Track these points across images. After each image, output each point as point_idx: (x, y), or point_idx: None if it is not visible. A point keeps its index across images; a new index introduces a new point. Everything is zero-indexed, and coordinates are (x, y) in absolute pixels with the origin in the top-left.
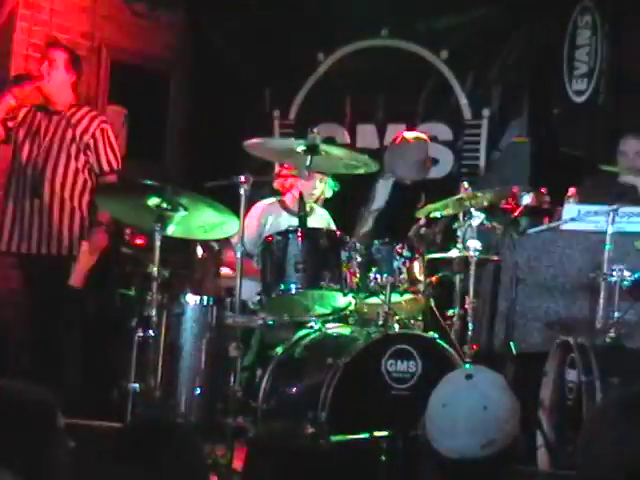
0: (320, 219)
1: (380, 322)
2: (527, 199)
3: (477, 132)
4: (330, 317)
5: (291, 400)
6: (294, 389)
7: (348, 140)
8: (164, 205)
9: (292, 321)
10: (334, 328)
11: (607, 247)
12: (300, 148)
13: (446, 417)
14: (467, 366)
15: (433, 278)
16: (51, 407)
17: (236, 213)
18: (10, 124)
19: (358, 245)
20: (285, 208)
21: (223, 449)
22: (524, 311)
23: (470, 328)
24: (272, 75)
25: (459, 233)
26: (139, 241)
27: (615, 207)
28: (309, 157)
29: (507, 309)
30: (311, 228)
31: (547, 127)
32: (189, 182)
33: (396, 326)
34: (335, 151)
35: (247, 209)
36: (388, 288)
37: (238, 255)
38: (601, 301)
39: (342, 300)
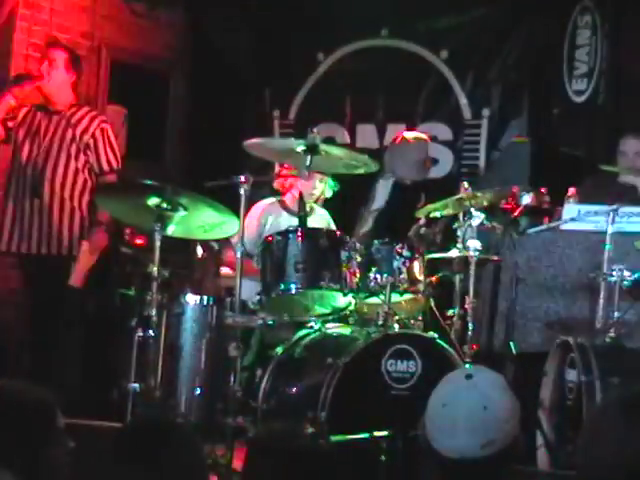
0: (320, 219)
1: (380, 322)
2: (527, 199)
3: (477, 132)
4: (330, 317)
5: (291, 400)
6: (294, 389)
7: (348, 140)
8: (164, 205)
9: (292, 321)
10: (334, 328)
11: (607, 247)
12: (300, 148)
13: (446, 417)
14: (467, 366)
15: (433, 278)
16: (51, 407)
17: (236, 213)
18: (10, 124)
19: (358, 245)
20: (285, 208)
21: (223, 449)
22: (524, 311)
23: (470, 328)
24: (272, 75)
25: (459, 233)
26: (139, 241)
27: (615, 207)
28: (309, 157)
29: (507, 309)
30: (311, 228)
31: (547, 127)
32: (189, 182)
33: (396, 326)
34: (335, 151)
35: (247, 209)
36: (388, 288)
37: (238, 255)
38: (601, 301)
39: (342, 300)
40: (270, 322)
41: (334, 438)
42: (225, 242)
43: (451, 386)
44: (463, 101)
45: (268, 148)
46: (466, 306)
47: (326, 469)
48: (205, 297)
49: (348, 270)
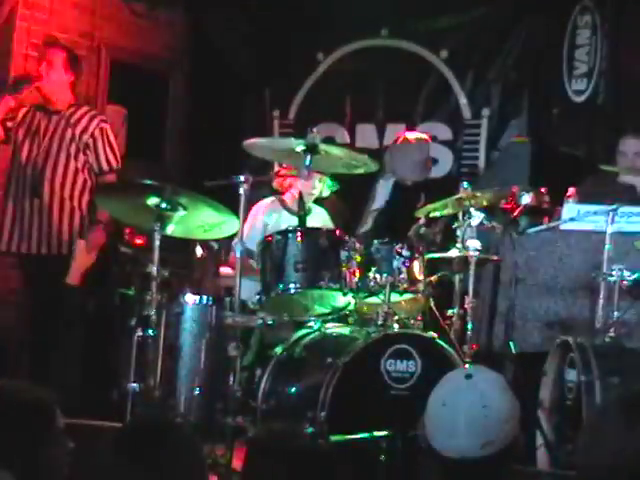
0: (317, 217)
1: (380, 322)
2: (526, 199)
3: (477, 132)
4: (330, 317)
5: (290, 400)
6: (293, 389)
7: (348, 140)
8: (163, 205)
9: (292, 321)
10: (334, 328)
11: (607, 247)
12: (300, 148)
13: (446, 417)
14: (467, 366)
15: (433, 278)
16: (50, 407)
17: (235, 213)
18: (9, 124)
19: (358, 245)
20: (285, 207)
21: (223, 449)
22: (524, 311)
23: (470, 328)
24: (272, 75)
25: (459, 233)
26: (139, 241)
27: (614, 207)
28: (309, 157)
29: (507, 309)
30: (311, 228)
31: (547, 127)
32: (188, 182)
33: (395, 326)
34: (334, 151)
35: (246, 209)
36: (388, 288)
37: (238, 255)
38: (601, 301)
39: (342, 300)
40: (270, 322)
41: (334, 438)
42: (227, 242)
43: (451, 386)
44: (463, 101)
45: (268, 148)
46: (466, 306)
47: (326, 469)
48: (204, 297)
49: (348, 270)
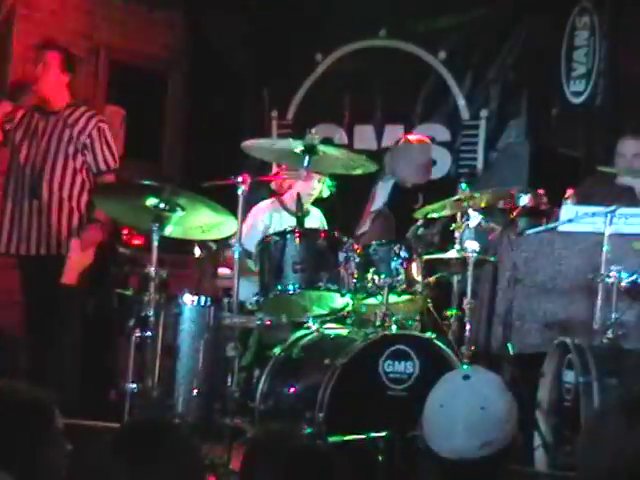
0: (314, 219)
1: (378, 323)
2: (525, 200)
3: (475, 133)
4: (328, 318)
5: (289, 400)
6: (292, 389)
7: (346, 141)
8: (162, 205)
9: (290, 321)
10: (332, 329)
11: (605, 248)
12: (298, 148)
13: (444, 418)
14: (465, 367)
15: (431, 279)
16: (49, 407)
17: (234, 213)
18: (7, 127)
19: (356, 245)
20: (285, 208)
21: (221, 449)
22: (522, 312)
23: (468, 329)
24: (270, 75)
25: (457, 234)
26: (137, 241)
27: (613, 208)
28: (307, 157)
29: (505, 310)
30: (309, 229)
31: (545, 128)
32: (187, 182)
33: (394, 327)
34: (333, 151)
35: (245, 209)
36: (386, 289)
37: (236, 256)
38: (599, 302)
39: (340, 301)
40: (268, 323)
41: (332, 439)
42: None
43: (449, 387)
44: (461, 102)
45: (266, 148)
46: (464, 307)
47: (324, 470)
48: (203, 298)
49: (346, 271)
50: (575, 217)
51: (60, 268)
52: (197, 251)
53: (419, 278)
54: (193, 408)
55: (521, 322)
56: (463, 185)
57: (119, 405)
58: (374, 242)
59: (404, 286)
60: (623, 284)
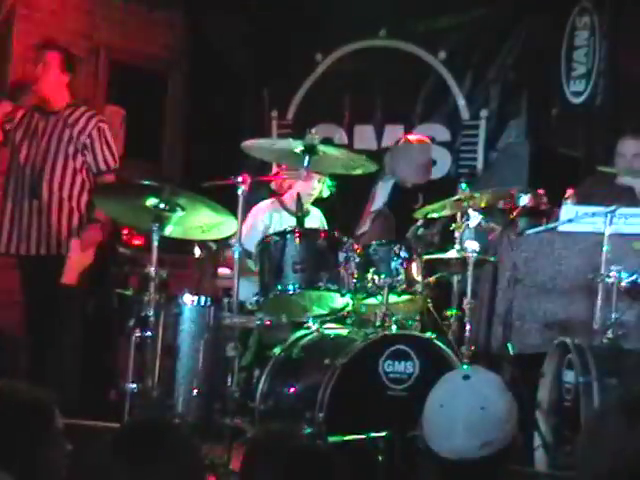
0: (314, 219)
1: (378, 323)
2: (524, 200)
3: (475, 133)
4: (328, 318)
5: (289, 401)
6: (292, 390)
7: (346, 141)
8: (162, 205)
9: (290, 321)
10: (332, 329)
11: (605, 248)
12: (298, 149)
13: (444, 418)
14: (465, 367)
15: (431, 279)
16: (49, 407)
17: (234, 213)
18: (8, 127)
19: (356, 246)
20: (285, 207)
21: (221, 449)
22: (522, 312)
23: (468, 329)
24: (270, 75)
25: (457, 234)
26: (137, 241)
27: (613, 208)
28: (307, 157)
29: (505, 310)
30: (309, 229)
31: (545, 128)
32: (187, 182)
33: (394, 327)
34: (333, 151)
35: (245, 209)
36: (386, 289)
37: (236, 256)
38: (599, 302)
39: (340, 301)
40: (268, 323)
41: (332, 439)
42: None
43: (449, 387)
44: (461, 102)
45: (266, 149)
46: (464, 307)
47: (324, 470)
48: (203, 298)
49: (346, 271)
50: (575, 217)
51: (60, 268)
52: (197, 251)
53: (419, 278)
54: (193, 408)
55: (521, 322)
56: (463, 185)
57: (119, 405)
58: (374, 242)
59: (404, 286)
60: (623, 284)
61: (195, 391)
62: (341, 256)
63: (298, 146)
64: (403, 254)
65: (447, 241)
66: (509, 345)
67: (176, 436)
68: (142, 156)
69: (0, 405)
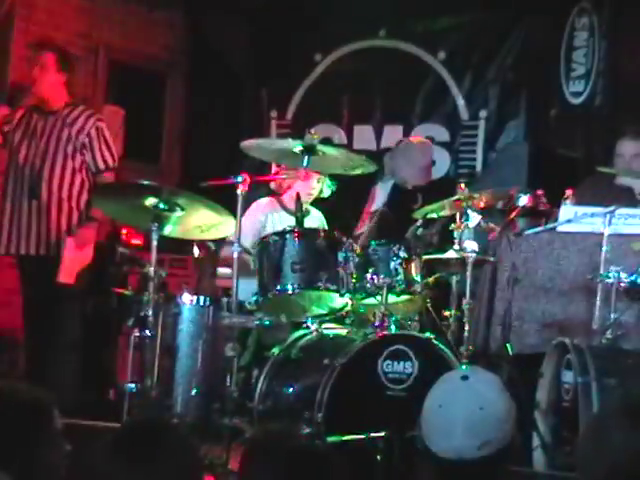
0: (314, 219)
1: (377, 323)
2: (524, 200)
3: (474, 133)
4: (327, 318)
5: (287, 401)
6: (290, 390)
7: (345, 141)
8: (161, 205)
9: (289, 321)
10: (331, 329)
11: (604, 249)
12: (297, 149)
13: (442, 418)
14: (463, 367)
15: (430, 279)
16: (48, 408)
17: (233, 214)
18: (6, 128)
19: (355, 246)
20: (284, 207)
21: (220, 449)
22: (521, 312)
23: (466, 329)
24: (270, 75)
25: (456, 234)
26: (136, 241)
27: (612, 209)
28: (306, 157)
29: (504, 310)
30: (308, 228)
31: (544, 128)
32: (186, 182)
33: (393, 327)
34: (332, 151)
35: (244, 209)
36: (385, 289)
37: (235, 255)
38: (598, 302)
39: (339, 301)
40: (267, 323)
41: (331, 439)
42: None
43: (447, 387)
44: (460, 102)
45: (265, 148)
46: (463, 307)
47: (322, 470)
48: (202, 297)
49: (345, 271)
50: (574, 217)
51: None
52: (196, 251)
53: (418, 278)
54: (192, 408)
55: (520, 322)
56: (463, 185)
57: (118, 405)
58: (373, 242)
59: (403, 286)
60: (622, 284)
61: (194, 391)
62: (340, 256)
63: (297, 146)
64: (402, 254)
65: (446, 241)
66: (508, 345)
67: (175, 436)
68: (141, 156)
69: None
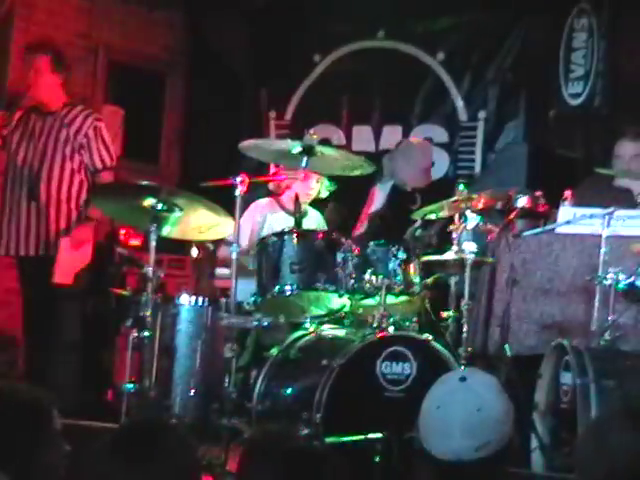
0: (312, 220)
1: (375, 324)
2: (522, 201)
3: (473, 134)
4: (325, 318)
5: (286, 401)
6: (289, 390)
7: (344, 142)
8: (160, 206)
9: (287, 322)
10: (329, 330)
11: (603, 250)
12: (296, 149)
13: (440, 419)
14: (462, 368)
15: (428, 280)
16: (47, 408)
17: (231, 214)
18: (5, 131)
19: (354, 246)
20: (282, 208)
21: (218, 450)
22: (519, 313)
23: (465, 330)
24: (269, 76)
25: (454, 235)
26: (135, 242)
27: (611, 210)
28: (305, 158)
29: (502, 311)
30: (307, 229)
31: (543, 130)
32: (185, 182)
33: (391, 328)
34: (331, 152)
35: (243, 210)
36: (383, 290)
37: (233, 256)
38: (596, 304)
39: (337, 302)
40: (265, 323)
41: (329, 440)
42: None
43: (446, 388)
44: (459, 103)
45: (264, 149)
46: (461, 308)
47: (321, 470)
48: (200, 298)
49: (344, 272)
50: (573, 219)
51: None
52: (194, 252)
53: (417, 279)
54: (190, 408)
55: (518, 324)
56: (461, 186)
57: (116, 405)
58: (372, 243)
59: (402, 287)
60: (620, 286)
61: (192, 391)
62: (339, 257)
63: (296, 146)
64: (401, 255)
65: (445, 242)
66: (506, 347)
67: (173, 436)
68: (141, 156)
69: None
